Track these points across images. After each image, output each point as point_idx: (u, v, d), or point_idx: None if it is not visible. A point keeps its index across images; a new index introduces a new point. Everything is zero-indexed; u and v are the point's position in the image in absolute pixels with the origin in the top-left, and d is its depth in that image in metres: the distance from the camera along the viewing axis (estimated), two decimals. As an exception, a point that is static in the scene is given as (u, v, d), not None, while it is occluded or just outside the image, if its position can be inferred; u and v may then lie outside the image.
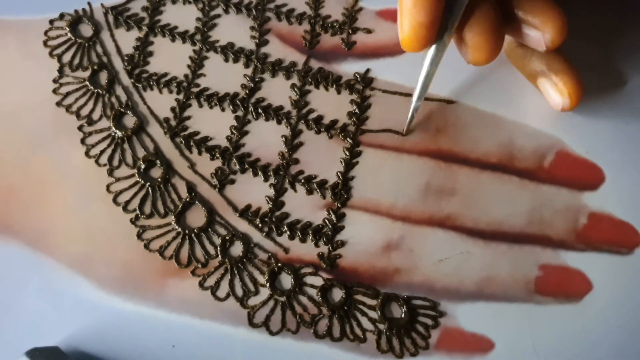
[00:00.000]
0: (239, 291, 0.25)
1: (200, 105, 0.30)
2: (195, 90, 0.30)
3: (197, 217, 0.27)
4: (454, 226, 0.27)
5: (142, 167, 0.28)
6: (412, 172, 0.28)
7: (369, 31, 0.32)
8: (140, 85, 0.30)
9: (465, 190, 0.27)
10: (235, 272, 0.26)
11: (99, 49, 0.31)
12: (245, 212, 0.27)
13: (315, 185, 0.28)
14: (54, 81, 0.30)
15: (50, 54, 0.31)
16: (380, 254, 0.26)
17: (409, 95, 0.30)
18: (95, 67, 0.30)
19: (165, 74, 0.30)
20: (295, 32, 0.32)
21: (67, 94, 0.30)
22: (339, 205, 0.27)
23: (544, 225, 0.27)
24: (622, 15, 0.32)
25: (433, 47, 0.25)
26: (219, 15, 0.32)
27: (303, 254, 0.26)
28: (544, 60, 0.27)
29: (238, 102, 0.30)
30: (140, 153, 0.28)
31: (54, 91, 0.30)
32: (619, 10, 0.32)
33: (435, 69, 0.26)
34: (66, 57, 0.31)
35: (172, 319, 0.25)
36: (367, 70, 0.31)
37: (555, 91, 0.27)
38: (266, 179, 0.28)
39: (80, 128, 0.29)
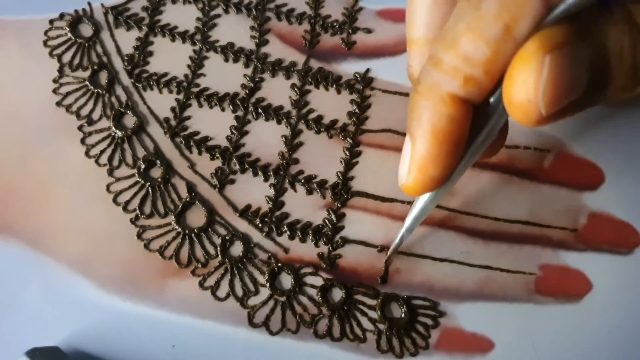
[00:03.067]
0: (239, 291, 0.25)
1: (200, 105, 0.30)
2: (195, 90, 0.30)
3: (197, 217, 0.27)
4: (454, 226, 0.27)
5: (142, 167, 0.28)
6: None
7: (369, 31, 0.32)
8: (140, 85, 0.30)
9: (465, 190, 0.27)
10: (235, 272, 0.26)
11: (99, 49, 0.31)
12: (245, 212, 0.27)
13: (315, 185, 0.28)
14: (54, 81, 0.30)
15: (50, 54, 0.31)
16: (381, 254, 0.26)
17: (409, 95, 0.29)
18: (95, 67, 0.30)
19: (165, 74, 0.30)
20: (295, 32, 0.32)
21: (67, 93, 0.30)
22: (339, 205, 0.27)
23: (544, 225, 0.27)
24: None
25: (436, 192, 0.22)
26: (219, 15, 0.32)
27: (303, 254, 0.26)
28: None
29: (238, 102, 0.30)
30: (140, 153, 0.28)
31: (54, 91, 0.30)
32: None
33: (433, 205, 0.23)
34: (66, 57, 0.31)
35: (172, 319, 0.25)
36: (367, 70, 0.31)
37: None
38: (266, 179, 0.28)
39: (80, 128, 0.29)
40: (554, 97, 0.17)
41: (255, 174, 0.28)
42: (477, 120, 0.19)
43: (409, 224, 0.24)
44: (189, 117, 0.29)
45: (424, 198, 0.22)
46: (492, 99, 0.19)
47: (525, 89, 0.16)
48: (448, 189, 0.22)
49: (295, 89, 0.30)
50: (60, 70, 0.30)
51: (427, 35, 0.23)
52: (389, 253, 0.25)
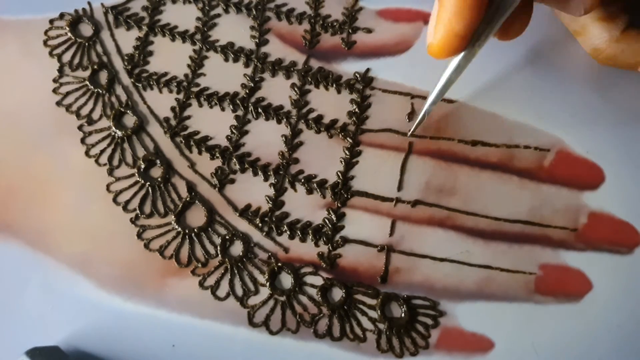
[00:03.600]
0: (239, 291, 0.25)
1: (200, 105, 0.30)
2: (195, 89, 0.30)
3: (197, 216, 0.27)
4: (454, 226, 0.27)
5: (142, 166, 0.28)
6: (412, 172, 0.28)
7: (369, 31, 0.32)
8: (140, 85, 0.30)
9: (465, 190, 0.27)
10: (235, 271, 0.26)
11: (99, 48, 0.31)
12: (245, 212, 0.27)
13: (315, 184, 0.28)
14: (54, 81, 0.30)
15: (50, 54, 0.31)
16: (381, 254, 0.26)
17: (409, 95, 0.30)
18: (95, 67, 0.30)
19: (165, 74, 0.30)
20: (295, 32, 0.32)
21: (67, 93, 0.30)
22: (339, 204, 0.27)
23: (544, 225, 0.27)
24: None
25: (461, 55, 0.24)
26: (219, 15, 0.32)
27: (303, 254, 0.26)
28: None
29: (238, 101, 0.30)
30: (140, 152, 0.28)
31: (54, 91, 0.30)
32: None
33: (458, 76, 0.25)
34: (66, 57, 0.31)
35: (172, 318, 0.25)
36: (367, 70, 0.31)
37: None
38: (266, 179, 0.28)
39: (80, 128, 0.29)
40: None
41: (255, 174, 0.28)
42: None
43: (435, 94, 0.25)
44: (189, 117, 0.29)
45: (450, 68, 0.24)
46: None
47: None
48: (470, 58, 0.23)
49: (295, 89, 0.30)
50: (60, 70, 0.30)
51: None
52: (413, 127, 0.27)
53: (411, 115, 0.29)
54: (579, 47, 0.30)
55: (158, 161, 0.28)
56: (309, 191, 0.28)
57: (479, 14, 0.21)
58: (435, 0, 0.22)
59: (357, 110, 0.29)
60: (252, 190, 0.28)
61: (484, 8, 0.21)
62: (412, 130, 0.28)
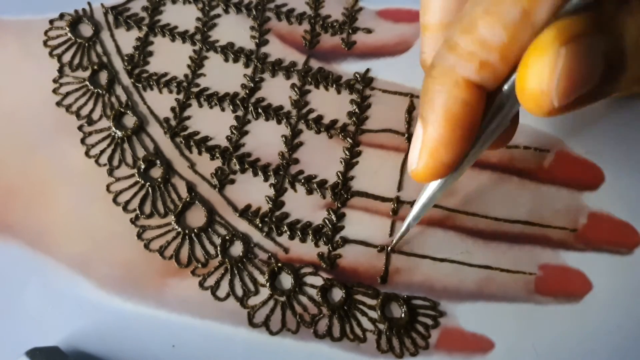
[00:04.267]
0: (239, 291, 0.25)
1: (200, 105, 0.30)
2: (195, 90, 0.30)
3: (197, 217, 0.27)
4: (454, 226, 0.27)
5: (142, 167, 0.28)
6: (412, 172, 0.28)
7: (369, 31, 0.32)
8: (140, 85, 0.30)
9: (465, 190, 0.27)
10: (235, 272, 0.26)
11: (99, 48, 0.31)
12: (245, 212, 0.27)
13: (315, 185, 0.28)
14: (54, 81, 0.30)
15: (50, 54, 0.31)
16: (381, 254, 0.26)
17: (409, 95, 0.30)
18: (95, 67, 0.30)
19: (165, 74, 0.30)
20: (295, 32, 0.32)
21: (67, 93, 0.30)
22: (339, 205, 0.27)
23: (544, 225, 0.27)
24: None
25: (445, 179, 0.22)
26: (219, 15, 0.32)
27: (303, 254, 0.26)
28: None
29: (238, 102, 0.30)
30: (140, 153, 0.28)
31: (54, 91, 0.30)
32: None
33: (440, 194, 0.23)
34: (66, 57, 0.31)
35: (172, 319, 0.25)
36: (367, 70, 0.31)
37: None
38: (266, 179, 0.28)
39: (80, 128, 0.29)
40: (568, 89, 0.16)
41: (255, 174, 0.28)
42: (489, 107, 0.19)
43: (415, 212, 0.24)
44: (189, 117, 0.29)
45: (432, 186, 0.22)
46: (505, 87, 0.19)
47: (539, 79, 0.16)
48: (457, 177, 0.22)
49: (295, 89, 0.30)
50: (60, 70, 0.30)
51: (441, 21, 0.22)
52: (394, 241, 0.26)
53: (410, 112, 0.29)
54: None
55: (158, 161, 0.28)
56: (309, 191, 0.28)
57: (468, 144, 0.19)
58: (418, 125, 0.20)
59: (357, 110, 0.29)
60: (252, 190, 0.28)
61: (473, 138, 0.19)
62: (392, 244, 0.26)
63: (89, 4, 0.32)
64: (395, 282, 0.26)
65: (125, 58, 0.31)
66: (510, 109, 0.19)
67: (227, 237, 0.26)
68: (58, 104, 0.29)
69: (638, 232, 0.27)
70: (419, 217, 0.24)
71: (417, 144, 0.20)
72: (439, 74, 0.19)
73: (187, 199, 0.27)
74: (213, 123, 0.29)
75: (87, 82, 0.30)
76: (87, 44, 0.31)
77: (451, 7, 0.22)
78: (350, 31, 0.32)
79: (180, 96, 0.30)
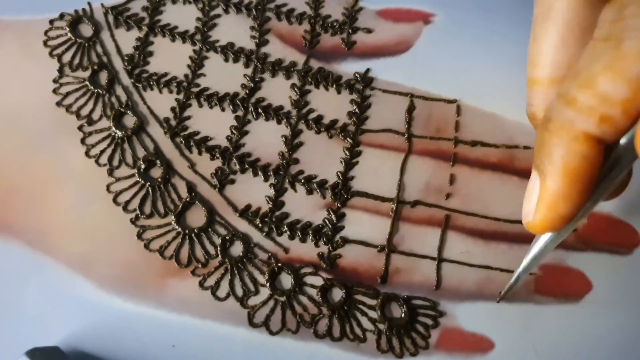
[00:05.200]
0: (239, 291, 0.25)
1: (200, 105, 0.30)
2: (195, 90, 0.30)
3: (197, 217, 0.27)
4: (454, 226, 0.27)
5: (142, 167, 0.28)
6: (412, 172, 0.28)
7: (369, 31, 0.32)
8: (140, 85, 0.30)
9: (465, 190, 0.27)
10: (235, 272, 0.26)
11: (99, 49, 0.31)
12: (245, 212, 0.27)
13: (315, 185, 0.28)
14: (54, 81, 0.30)
15: (50, 54, 0.31)
16: (381, 254, 0.26)
17: (409, 95, 0.30)
18: (95, 67, 0.30)
19: (165, 74, 0.30)
20: (295, 32, 0.32)
21: (67, 94, 0.30)
22: (339, 205, 0.27)
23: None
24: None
25: (561, 231, 0.21)
26: (219, 15, 0.32)
27: (303, 254, 0.26)
28: None
29: (238, 102, 0.30)
30: (140, 153, 0.28)
31: (54, 91, 0.30)
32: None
33: (554, 246, 0.22)
34: (66, 57, 0.31)
35: (172, 319, 0.25)
36: (367, 70, 0.31)
37: None
38: (266, 179, 0.28)
39: (80, 128, 0.29)
40: None
41: (255, 174, 0.28)
42: (606, 159, 0.19)
43: (526, 264, 0.23)
44: (189, 117, 0.29)
45: (545, 237, 0.22)
46: (623, 139, 0.19)
47: None
48: (571, 229, 0.21)
49: (295, 89, 0.30)
50: (60, 70, 0.30)
51: (553, 75, 0.22)
52: (502, 293, 0.25)
53: (410, 110, 0.29)
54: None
55: (158, 161, 0.28)
56: (309, 191, 0.28)
57: (586, 197, 0.19)
58: (533, 176, 0.20)
59: (357, 110, 0.29)
60: (252, 190, 0.28)
61: (591, 190, 0.19)
62: (501, 295, 0.25)
63: (89, 4, 0.32)
64: (395, 282, 0.26)
65: (125, 58, 0.31)
66: (628, 161, 0.19)
67: (227, 237, 0.26)
68: (58, 104, 0.29)
69: (638, 232, 0.27)
70: (530, 269, 0.23)
71: (534, 195, 0.20)
72: (557, 128, 0.19)
73: (187, 199, 0.27)
74: (213, 123, 0.29)
75: (87, 82, 0.30)
76: (87, 44, 0.31)
77: (563, 62, 0.22)
78: (350, 31, 0.32)
79: (180, 96, 0.30)
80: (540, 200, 0.20)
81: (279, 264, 0.26)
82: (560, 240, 0.22)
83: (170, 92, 0.30)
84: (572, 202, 0.19)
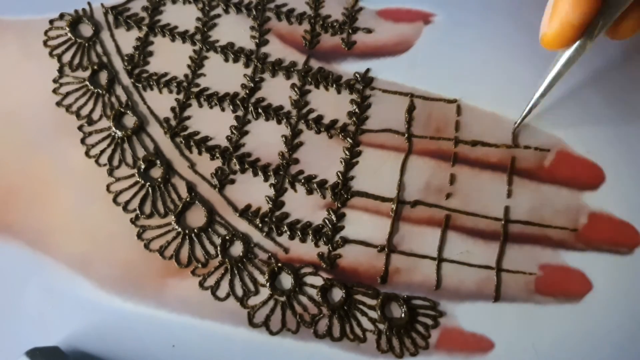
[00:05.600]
0: (239, 291, 0.25)
1: (200, 105, 0.30)
2: (195, 90, 0.30)
3: (197, 217, 0.27)
4: (454, 226, 0.27)
5: (142, 167, 0.28)
6: (412, 172, 0.28)
7: (369, 31, 0.32)
8: (140, 85, 0.30)
9: (466, 190, 0.27)
10: (235, 272, 0.26)
11: (99, 48, 0.31)
12: (245, 212, 0.27)
13: (315, 185, 0.28)
14: (54, 81, 0.30)
15: (50, 54, 0.31)
16: (381, 254, 0.26)
17: (409, 95, 0.30)
18: (95, 67, 0.30)
19: (165, 74, 0.30)
20: (295, 32, 0.32)
21: (67, 93, 0.30)
22: (339, 205, 0.27)
23: (544, 225, 0.27)
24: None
25: (573, 47, 0.24)
26: (219, 15, 0.32)
27: (303, 254, 0.26)
28: None
29: (238, 102, 0.30)
30: (140, 153, 0.28)
31: (54, 91, 0.30)
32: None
33: (568, 69, 0.24)
34: (66, 57, 0.31)
35: (172, 319, 0.25)
36: (367, 70, 0.31)
37: None
38: (266, 179, 0.28)
39: (80, 128, 0.29)
40: None
41: (255, 174, 0.28)
42: None
43: (543, 89, 0.25)
44: (189, 117, 0.29)
45: (561, 60, 0.24)
46: None
47: None
48: (582, 51, 0.23)
49: (295, 89, 0.30)
50: (60, 70, 0.30)
51: None
52: (517, 122, 0.26)
53: (411, 110, 0.29)
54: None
55: (158, 161, 0.28)
56: (309, 191, 0.28)
57: (596, 4, 0.21)
58: None
59: (357, 110, 0.29)
60: (252, 190, 0.28)
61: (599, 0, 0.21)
62: (518, 122, 0.28)
63: (89, 4, 0.32)
64: (395, 282, 0.26)
65: (125, 58, 0.31)
66: None
67: (227, 237, 0.26)
68: (58, 104, 0.29)
69: (638, 232, 0.27)
70: (546, 93, 0.25)
71: (549, 10, 0.22)
72: None
73: (187, 199, 0.27)
74: (213, 123, 0.29)
75: (87, 82, 0.30)
76: (87, 44, 0.31)
77: None
78: (350, 31, 0.32)
79: (180, 96, 0.30)
80: (553, 11, 0.22)
81: (279, 264, 0.26)
82: (574, 62, 0.23)
83: (170, 92, 0.30)
84: (581, 9, 0.21)
